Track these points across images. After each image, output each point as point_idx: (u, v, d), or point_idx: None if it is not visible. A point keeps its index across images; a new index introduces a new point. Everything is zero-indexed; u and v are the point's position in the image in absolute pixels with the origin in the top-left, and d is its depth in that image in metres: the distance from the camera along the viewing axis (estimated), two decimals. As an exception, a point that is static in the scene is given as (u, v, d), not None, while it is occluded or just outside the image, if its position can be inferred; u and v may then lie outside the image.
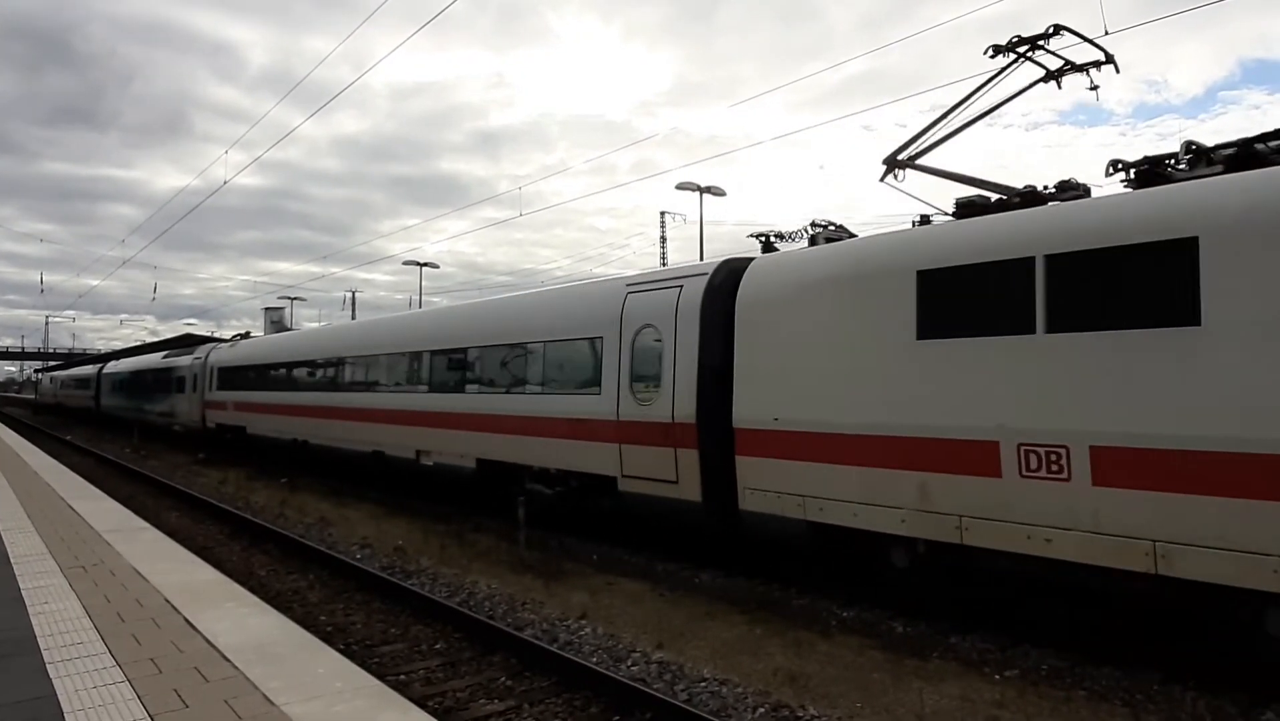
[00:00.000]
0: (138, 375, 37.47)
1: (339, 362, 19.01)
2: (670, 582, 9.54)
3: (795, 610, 8.40)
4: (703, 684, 6.34)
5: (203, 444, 26.98)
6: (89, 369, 54.51)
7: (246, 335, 30.76)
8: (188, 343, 47.25)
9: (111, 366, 46.08)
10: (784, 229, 10.15)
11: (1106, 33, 9.96)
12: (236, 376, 25.32)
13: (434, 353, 14.95)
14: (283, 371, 22.24)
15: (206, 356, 28.23)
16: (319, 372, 20.09)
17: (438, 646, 7.39)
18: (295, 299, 58.98)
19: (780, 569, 9.36)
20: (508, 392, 12.76)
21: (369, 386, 17.39)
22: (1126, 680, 6.25)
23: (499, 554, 11.11)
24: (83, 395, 51.91)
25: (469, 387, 13.76)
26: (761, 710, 5.82)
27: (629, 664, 6.82)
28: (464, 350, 14.03)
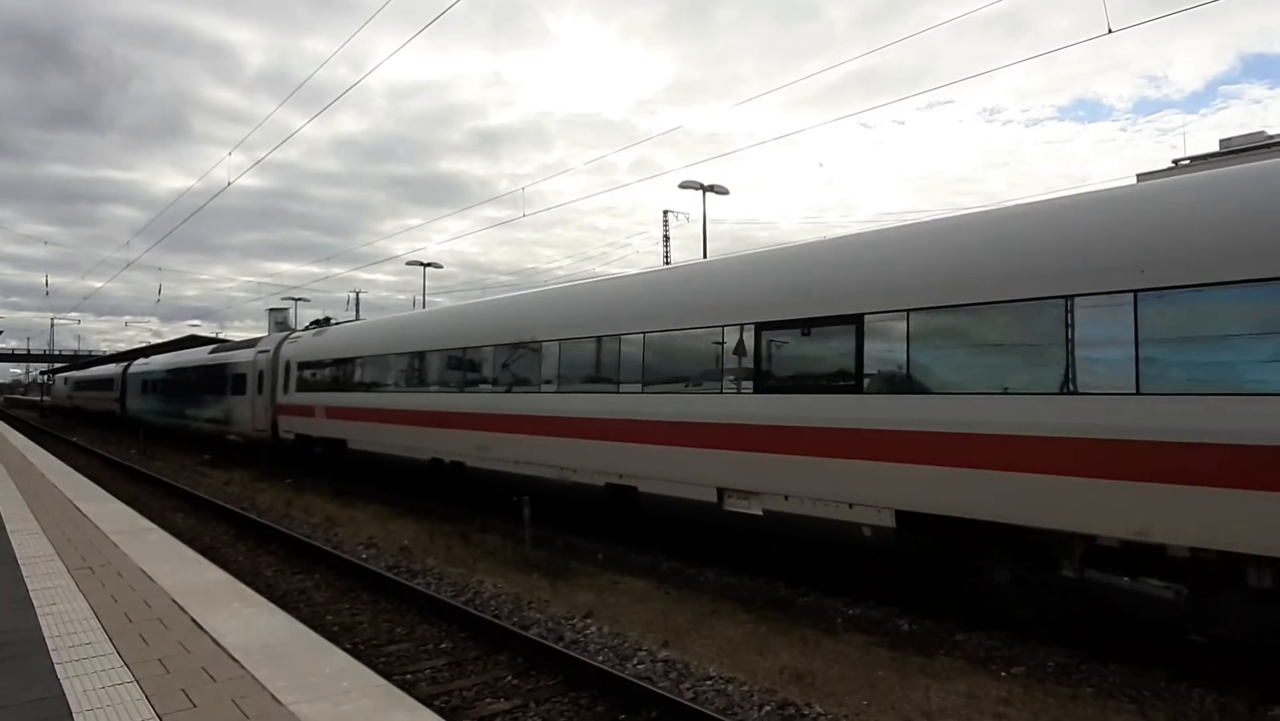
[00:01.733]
0: (177, 374, 32.27)
1: (534, 348, 12.69)
2: (675, 581, 9.54)
3: (801, 608, 8.40)
4: (709, 682, 6.34)
5: (274, 459, 22.26)
6: (111, 368, 48.94)
7: (327, 321, 25.25)
8: (197, 342, 44.32)
9: (140, 365, 40.67)
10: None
11: (1110, 30, 9.94)
12: (329, 373, 20.02)
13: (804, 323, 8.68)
14: (415, 364, 16.32)
15: (277, 349, 23.12)
16: (491, 363, 13.88)
17: (444, 646, 7.40)
18: (299, 300, 59.11)
19: (785, 567, 9.35)
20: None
21: (636, 380, 10.74)
22: (1133, 677, 6.25)
23: (505, 553, 11.12)
24: (104, 398, 46.59)
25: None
26: (768, 708, 5.82)
27: (635, 662, 6.82)
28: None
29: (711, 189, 34.71)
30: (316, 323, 25.38)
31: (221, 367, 26.85)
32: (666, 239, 48.42)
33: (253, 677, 4.62)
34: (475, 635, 7.52)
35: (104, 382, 47.63)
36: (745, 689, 6.17)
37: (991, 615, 7.47)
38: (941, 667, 6.59)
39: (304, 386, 21.21)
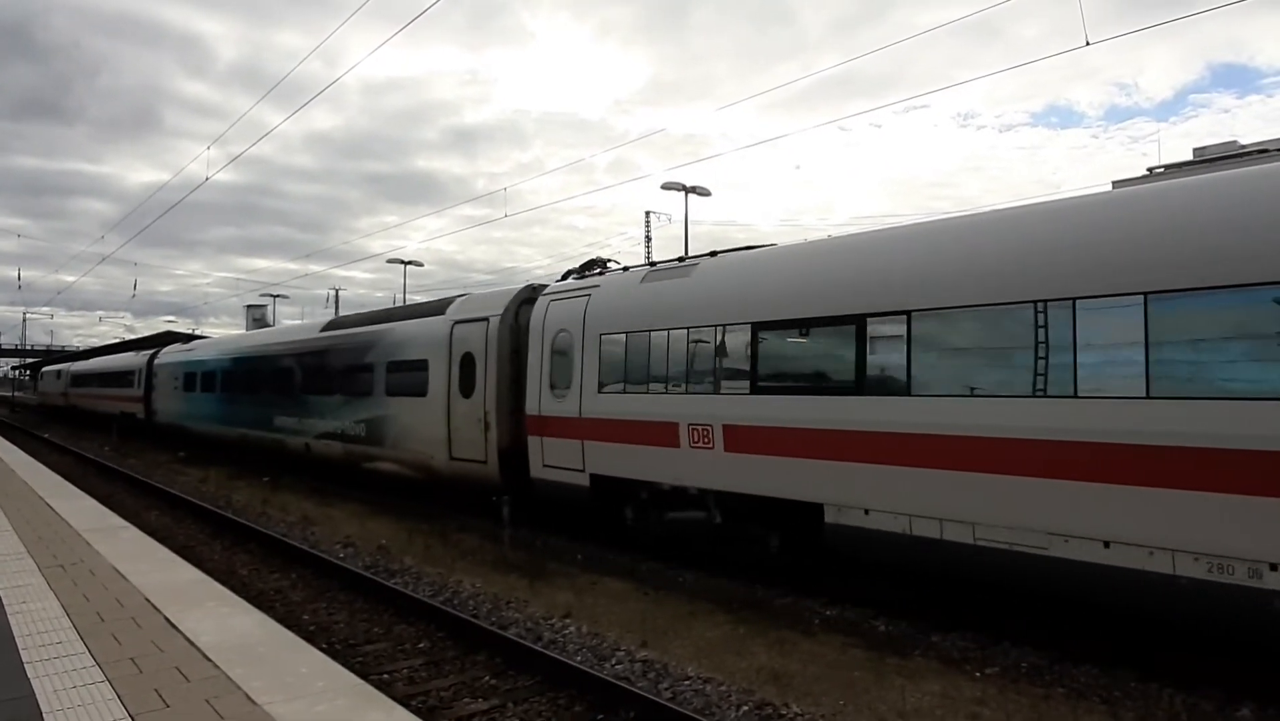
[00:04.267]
0: (262, 363, 21.59)
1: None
2: (654, 582, 9.55)
3: (778, 609, 8.44)
4: (687, 682, 6.36)
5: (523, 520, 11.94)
6: (129, 358, 36.66)
7: (601, 266, 12.87)
8: (167, 340, 36.96)
9: (178, 352, 29.65)
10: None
11: (1088, 43, 10.09)
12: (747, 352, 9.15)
13: None
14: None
15: (512, 310, 13.10)
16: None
17: (421, 645, 7.37)
18: (278, 296, 58.50)
19: (764, 567, 9.39)
20: None
21: None
22: (1104, 677, 6.34)
23: (483, 553, 11.09)
24: (119, 397, 34.78)
25: None
26: (745, 708, 5.84)
27: (613, 662, 6.83)
28: None
29: (694, 190, 34.83)
30: (590, 267, 12.94)
31: (365, 349, 16.50)
32: (649, 239, 48.51)
33: (227, 677, 4.58)
34: (453, 635, 7.49)
35: (119, 377, 35.92)
36: (723, 689, 6.19)
37: (966, 616, 7.57)
38: (917, 668, 6.65)
39: (616, 379, 10.89)
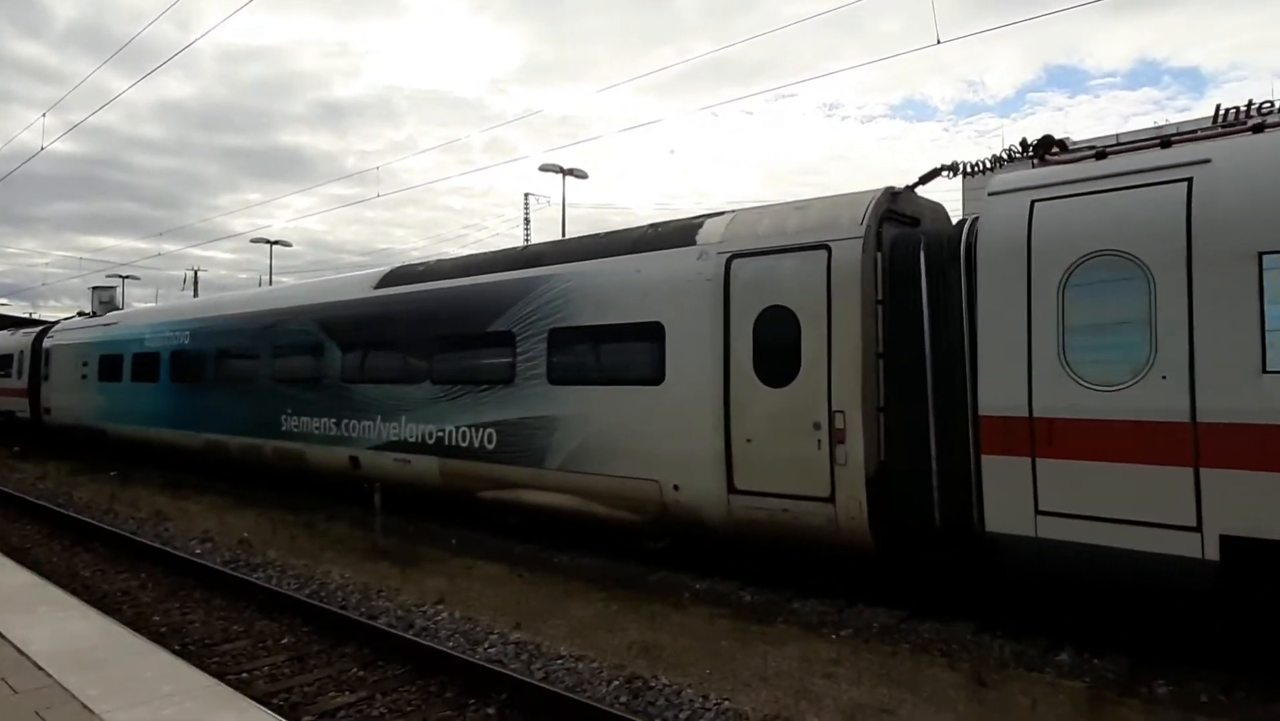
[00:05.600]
0: (258, 338, 15.12)
1: None
2: (529, 564, 9.59)
3: (651, 585, 8.65)
4: (559, 661, 6.44)
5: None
6: (2, 339, 27.66)
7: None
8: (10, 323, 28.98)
9: (85, 331, 21.74)
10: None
11: (939, 41, 10.64)
12: None
13: None
14: None
15: (874, 228, 7.55)
16: None
17: (285, 641, 7.12)
18: (128, 277, 54.26)
19: (635, 547, 9.58)
20: None
21: None
22: (944, 632, 6.87)
23: (354, 542, 10.79)
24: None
25: None
26: (616, 682, 5.98)
27: (486, 646, 6.83)
28: None
29: (571, 172, 34.72)
30: (1046, 147, 7.10)
31: (492, 308, 10.62)
32: (527, 221, 48.00)
33: (61, 686, 4.30)
34: (320, 628, 7.28)
35: None
36: (595, 665, 6.31)
37: (825, 584, 7.99)
38: (779, 634, 6.99)
39: None
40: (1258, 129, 6.16)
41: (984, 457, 6.57)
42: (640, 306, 8.97)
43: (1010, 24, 11.39)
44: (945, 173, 7.87)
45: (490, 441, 10.34)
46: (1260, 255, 5.48)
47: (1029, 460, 6.30)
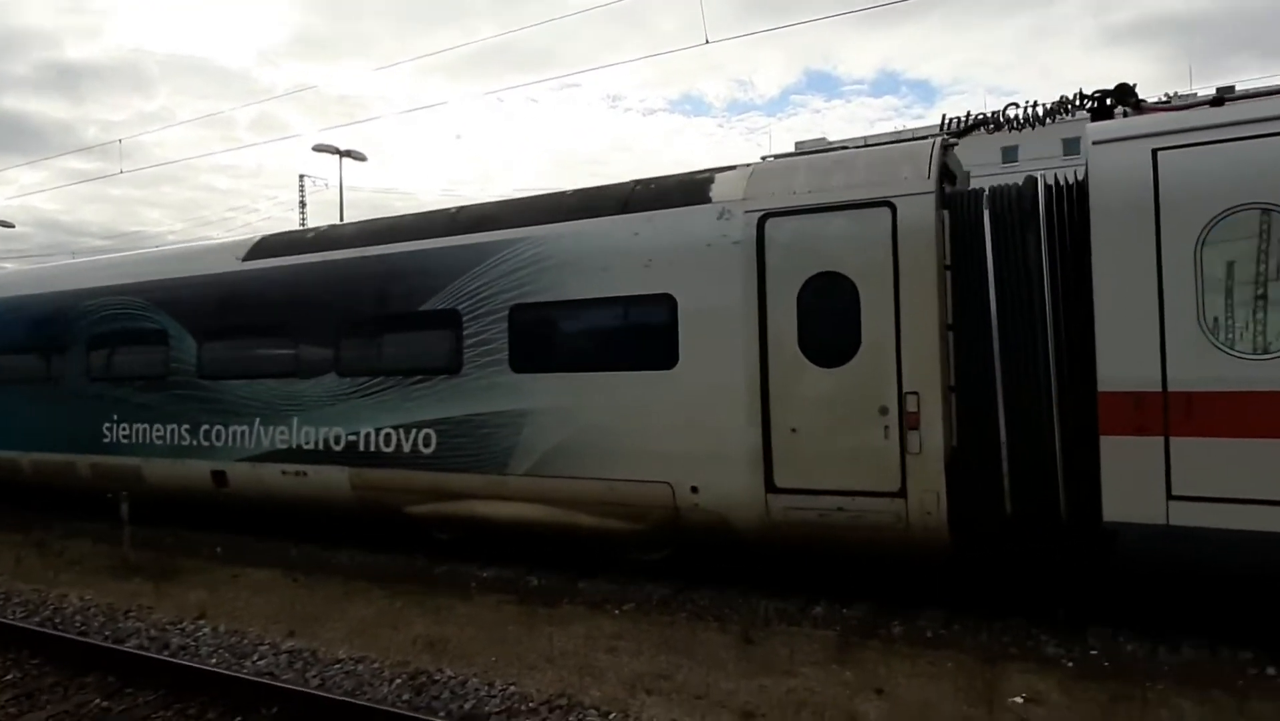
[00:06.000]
0: (74, 325, 11.69)
1: None
2: (305, 566, 9.08)
3: (437, 577, 8.51)
4: (337, 665, 6.19)
5: None
6: None
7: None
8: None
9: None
10: None
11: (707, 41, 11.26)
12: None
13: None
14: None
15: (935, 180, 6.67)
16: None
17: (9, 678, 6.26)
18: None
19: (421, 539, 9.37)
20: None
21: None
22: (718, 597, 7.36)
23: (97, 559, 9.66)
24: None
25: None
26: (399, 681, 5.85)
27: (255, 658, 6.41)
28: None
29: (349, 154, 32.95)
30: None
31: (429, 283, 8.76)
32: (303, 204, 44.86)
33: None
34: (54, 658, 6.47)
35: None
36: (376, 666, 6.13)
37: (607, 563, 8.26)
38: (564, 615, 7.15)
39: None
40: None
41: (1104, 439, 5.80)
42: (641, 275, 7.53)
43: (772, 29, 12.04)
44: (985, 127, 7.27)
45: (427, 444, 8.57)
46: None
47: (1161, 439, 5.64)
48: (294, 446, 9.48)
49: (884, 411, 6.53)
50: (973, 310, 6.45)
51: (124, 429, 11.05)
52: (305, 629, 7.00)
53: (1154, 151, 5.76)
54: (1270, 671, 5.49)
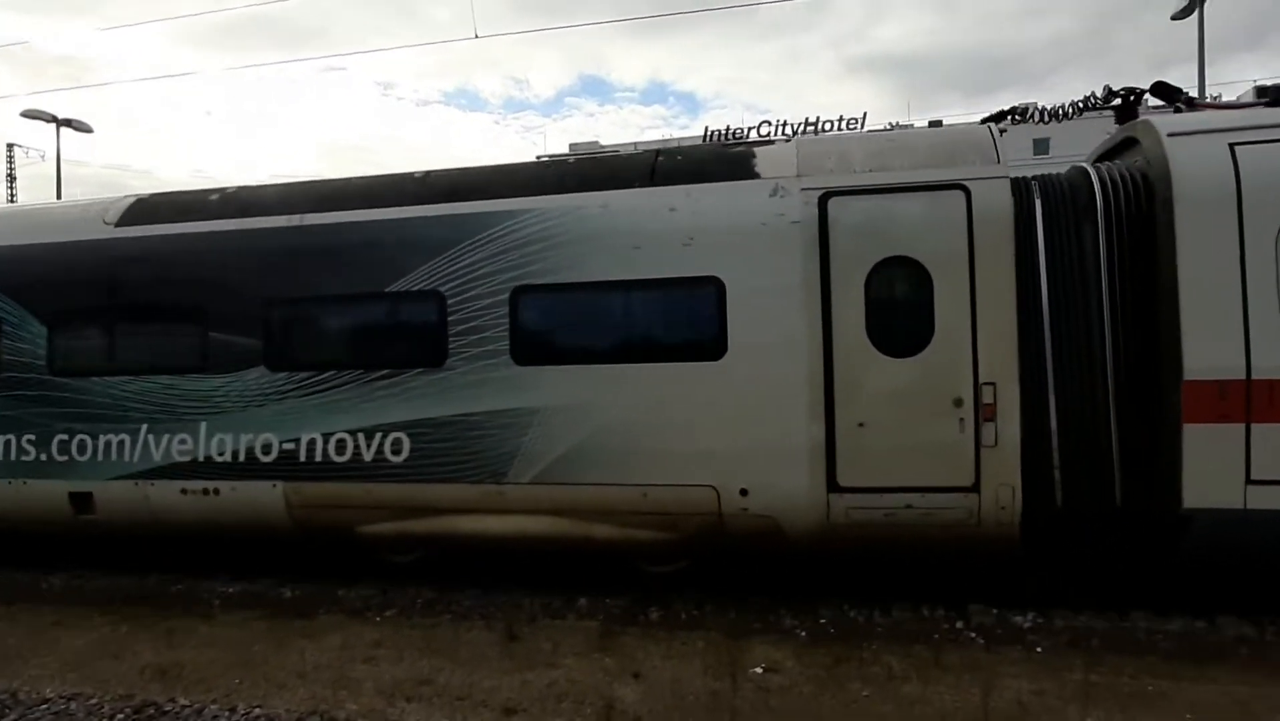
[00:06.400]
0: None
1: None
2: (6, 594, 7.88)
3: (172, 597, 7.73)
4: (44, 706, 5.45)
5: None
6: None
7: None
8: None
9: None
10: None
11: (476, 35, 11.17)
12: None
13: None
14: None
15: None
16: None
17: None
18: None
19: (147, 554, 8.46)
20: None
21: None
22: (484, 598, 7.33)
23: None
24: None
25: None
26: (121, 716, 5.28)
27: (-68, 710, 5.48)
28: None
29: (69, 123, 28.92)
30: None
31: (399, 259, 7.42)
32: (12, 179, 38.66)
33: None
34: None
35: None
36: (94, 701, 5.48)
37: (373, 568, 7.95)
38: (320, 626, 6.79)
39: None
40: None
41: (1187, 426, 5.88)
42: (681, 256, 6.79)
43: (542, 29, 12.21)
44: (1013, 116, 7.39)
45: (396, 451, 7.31)
46: None
47: (1243, 426, 5.84)
48: (200, 458, 7.72)
49: (959, 403, 6.34)
50: (1032, 299, 6.46)
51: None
52: (5, 669, 6.08)
53: (1231, 146, 5.99)
54: (960, 625, 6.42)
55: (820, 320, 6.51)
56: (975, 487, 6.31)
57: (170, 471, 7.77)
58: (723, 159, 7.37)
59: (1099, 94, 7.46)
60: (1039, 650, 5.92)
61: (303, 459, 7.48)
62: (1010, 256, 6.30)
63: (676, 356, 6.81)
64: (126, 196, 8.76)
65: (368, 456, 7.33)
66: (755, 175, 6.91)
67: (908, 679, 5.48)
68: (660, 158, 7.46)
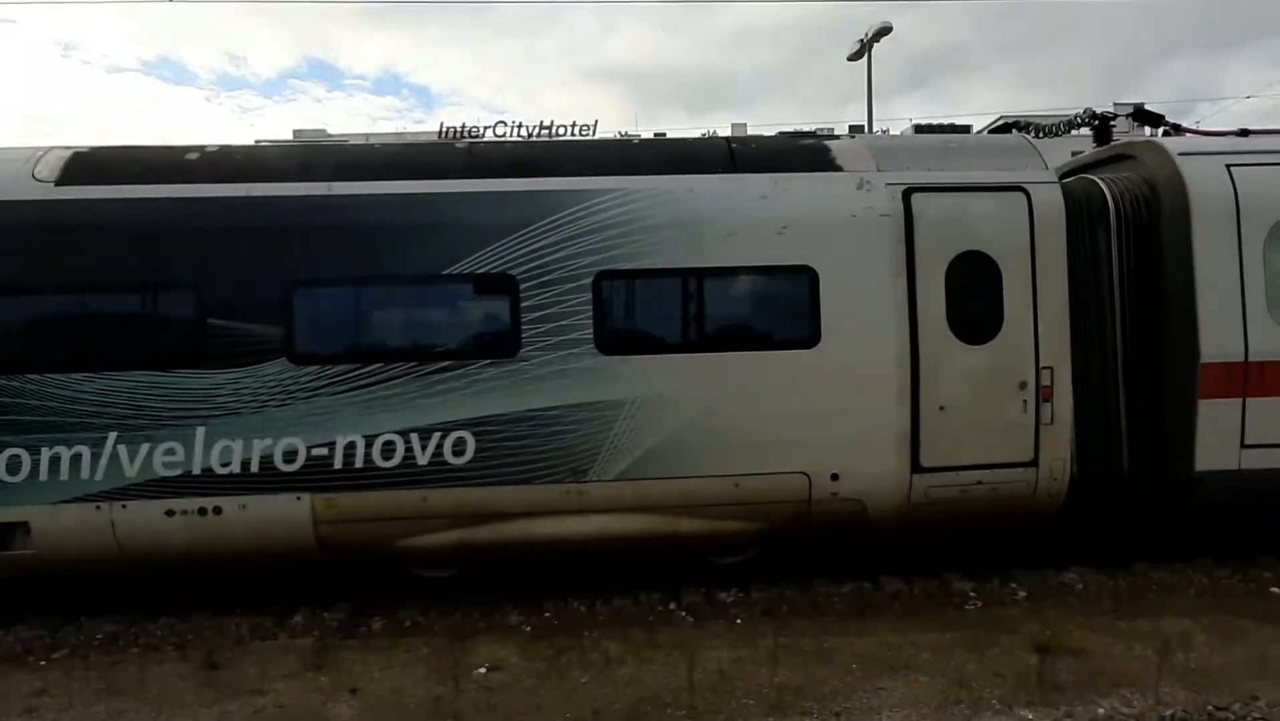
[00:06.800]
0: None
1: None
2: None
3: None
4: None
5: None
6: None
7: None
8: None
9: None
10: None
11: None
12: None
13: None
14: None
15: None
16: None
17: None
18: None
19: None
20: None
21: None
22: (181, 625, 6.63)
23: None
24: None
25: None
26: None
27: None
28: None
29: None
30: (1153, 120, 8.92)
31: (464, 237, 6.53)
32: None
33: None
34: None
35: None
36: None
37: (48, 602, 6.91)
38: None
39: None
40: None
41: (1202, 402, 7.04)
42: (776, 244, 6.85)
43: (261, 1, 11.24)
44: (1014, 129, 8.39)
45: (460, 452, 6.62)
46: None
47: (1240, 400, 7.08)
48: (194, 471, 6.46)
49: (1023, 386, 7.02)
50: (1089, 288, 7.41)
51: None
52: None
53: (1228, 167, 7.23)
54: (672, 606, 6.91)
55: (907, 309, 6.93)
56: (1034, 462, 7.07)
57: (151, 490, 6.45)
58: (800, 150, 7.53)
59: (1082, 115, 8.79)
60: (739, 622, 6.56)
61: (338, 466, 6.54)
62: (1063, 252, 7.12)
63: (773, 345, 6.97)
64: (49, 148, 7.09)
65: (423, 460, 6.59)
66: (838, 168, 7.19)
67: (624, 662, 5.79)
68: (733, 144, 7.58)
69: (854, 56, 21.44)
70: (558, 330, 6.72)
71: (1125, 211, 7.44)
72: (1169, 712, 4.93)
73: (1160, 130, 8.87)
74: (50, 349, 6.56)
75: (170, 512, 6.50)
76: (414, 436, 6.59)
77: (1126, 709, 5.03)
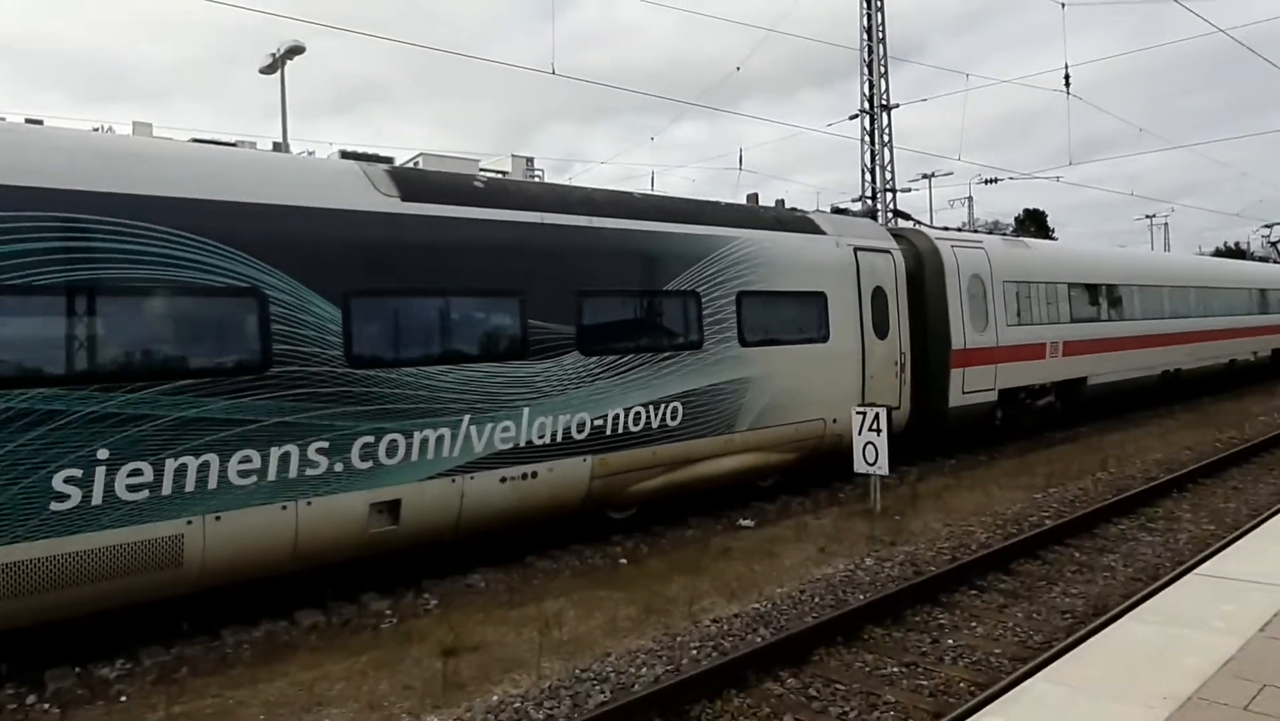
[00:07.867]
0: None
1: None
2: None
3: None
4: None
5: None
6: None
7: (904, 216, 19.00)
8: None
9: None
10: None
11: None
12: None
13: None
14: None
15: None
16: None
17: None
18: None
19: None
20: None
21: None
22: None
23: None
24: None
25: None
26: None
27: None
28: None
29: None
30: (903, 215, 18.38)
31: (673, 266, 10.35)
32: None
33: None
34: None
35: None
36: None
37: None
38: None
39: (1024, 318, 15.93)
40: None
41: (954, 370, 13.93)
42: (811, 277, 11.68)
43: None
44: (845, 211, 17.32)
45: (674, 416, 9.70)
46: (1003, 283, 15.23)
47: (962, 370, 14.07)
48: (520, 444, 8.23)
49: (897, 363, 12.81)
50: (919, 309, 13.64)
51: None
52: None
53: (952, 247, 14.16)
54: (32, 701, 5.62)
55: (859, 319, 12.15)
56: (899, 405, 12.75)
57: (492, 461, 7.98)
58: (799, 219, 12.44)
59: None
60: (123, 699, 5.66)
61: (609, 432, 8.99)
62: (903, 286, 13.13)
63: (812, 340, 11.48)
64: (372, 165, 8.50)
65: (655, 424, 9.44)
66: (822, 231, 12.22)
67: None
68: (772, 212, 13.64)
69: (266, 70, 20.34)
70: (721, 330, 10.25)
71: (909, 268, 13.41)
72: (547, 685, 5.76)
73: (913, 222, 16.23)
74: (423, 346, 7.74)
75: (503, 480, 8.06)
76: (651, 407, 9.39)
77: (515, 690, 5.70)
